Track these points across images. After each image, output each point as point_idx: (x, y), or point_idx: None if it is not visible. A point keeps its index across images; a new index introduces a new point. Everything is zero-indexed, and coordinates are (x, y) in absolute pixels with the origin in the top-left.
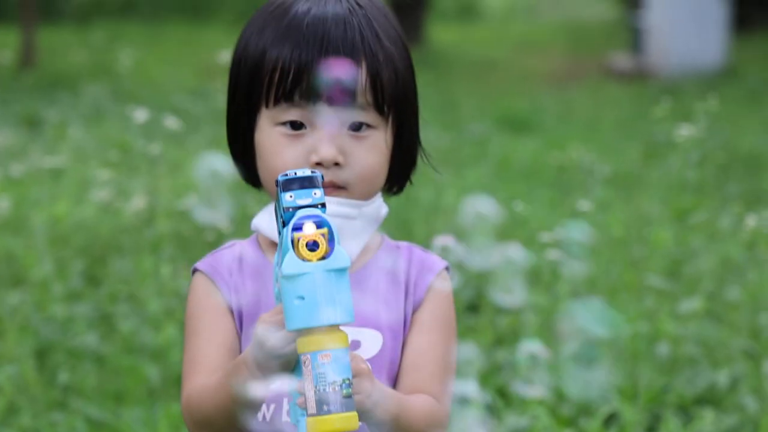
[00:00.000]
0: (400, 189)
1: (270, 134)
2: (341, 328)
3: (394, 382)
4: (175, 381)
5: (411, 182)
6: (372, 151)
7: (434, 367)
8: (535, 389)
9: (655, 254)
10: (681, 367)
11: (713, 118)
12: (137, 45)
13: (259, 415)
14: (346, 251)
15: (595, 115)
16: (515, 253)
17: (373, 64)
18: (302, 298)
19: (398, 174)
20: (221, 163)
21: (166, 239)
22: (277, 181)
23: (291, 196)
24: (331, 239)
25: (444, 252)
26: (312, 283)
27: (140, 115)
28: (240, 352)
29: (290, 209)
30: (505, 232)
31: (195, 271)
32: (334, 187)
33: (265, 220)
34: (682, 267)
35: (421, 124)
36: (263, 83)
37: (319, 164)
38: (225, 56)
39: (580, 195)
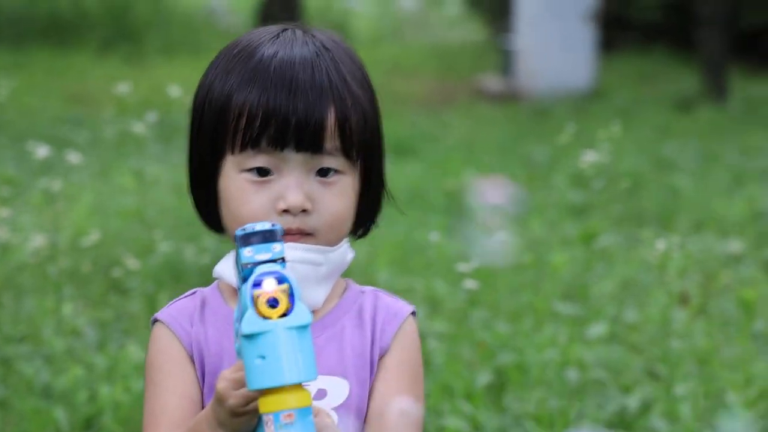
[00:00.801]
0: (366, 232)
1: (235, 181)
2: (304, 386)
3: (362, 431)
4: (83, 424)
5: (377, 225)
6: (340, 197)
7: None
8: None
9: (555, 279)
10: (590, 392)
11: (588, 141)
12: (4, 72)
13: None
14: (312, 297)
15: (472, 138)
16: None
17: (341, 109)
18: (263, 357)
19: (365, 218)
20: None
21: (65, 276)
22: (235, 236)
23: (250, 251)
24: (291, 295)
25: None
26: (273, 341)
27: (42, 151)
28: (202, 404)
29: (249, 265)
30: (424, 263)
31: (155, 321)
32: (302, 234)
33: (228, 267)
34: (585, 291)
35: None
36: (229, 129)
37: (286, 211)
38: (92, 84)
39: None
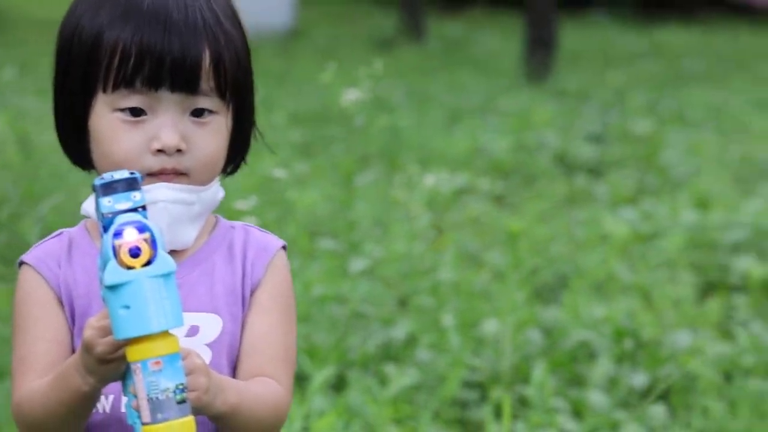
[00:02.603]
0: (236, 170)
1: (108, 120)
2: (171, 332)
3: (235, 366)
4: None
5: (246, 163)
6: (214, 136)
7: (274, 350)
8: None
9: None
10: (356, 326)
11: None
12: None
13: (99, 407)
14: (184, 236)
15: None
16: None
17: (216, 48)
18: (128, 307)
19: (235, 156)
20: None
21: None
22: (93, 186)
23: (109, 201)
24: (154, 244)
25: None
26: (137, 291)
27: None
28: (73, 346)
29: (109, 215)
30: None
31: (21, 264)
32: (176, 174)
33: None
34: (342, 227)
35: None
36: (101, 67)
37: (161, 151)
38: None
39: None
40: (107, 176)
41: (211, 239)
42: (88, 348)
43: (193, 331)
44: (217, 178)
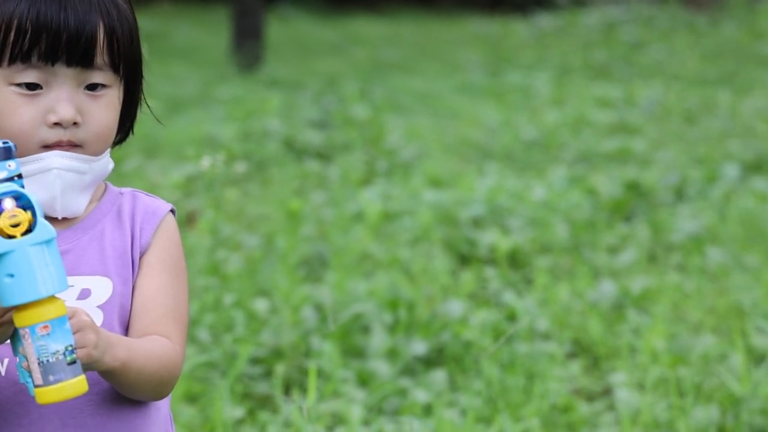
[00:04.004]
0: (123, 140)
1: (3, 94)
2: (57, 296)
3: (127, 327)
4: None
5: (133, 133)
6: (107, 109)
7: (165, 309)
8: None
9: None
10: None
11: None
12: None
13: None
14: (75, 204)
15: None
16: None
17: (109, 23)
18: (12, 275)
19: (124, 127)
20: None
21: None
22: None
23: None
24: (32, 211)
25: None
26: (19, 259)
27: None
28: None
29: None
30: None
31: None
32: (72, 146)
33: None
34: None
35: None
36: None
37: (57, 124)
38: None
39: None
40: None
41: (100, 205)
42: None
43: (84, 294)
44: (109, 150)
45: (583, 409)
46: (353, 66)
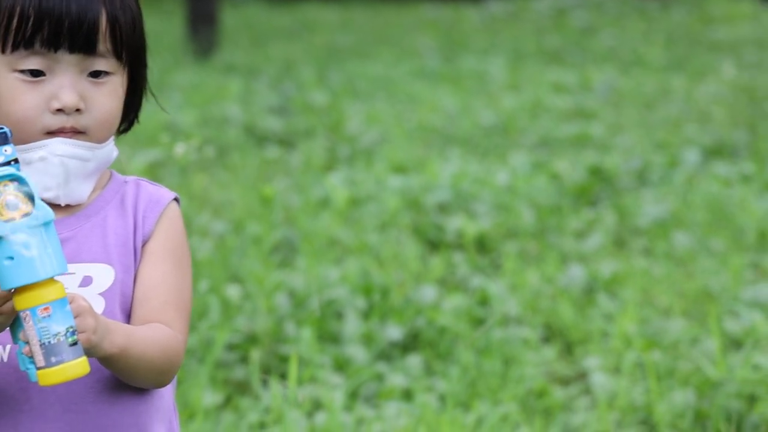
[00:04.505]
0: (129, 128)
1: (7, 80)
2: (56, 278)
3: (129, 315)
4: None
5: (138, 122)
6: (111, 96)
7: (166, 297)
8: None
9: None
10: None
11: None
12: None
13: None
14: (78, 191)
15: None
16: None
17: (112, 11)
18: (11, 258)
19: (129, 115)
20: None
21: None
22: None
23: None
24: (30, 195)
25: None
26: (19, 242)
27: None
28: None
29: None
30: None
31: None
32: (75, 132)
33: None
34: None
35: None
36: None
37: (60, 110)
38: None
39: None
40: None
41: (104, 193)
42: None
43: (86, 281)
44: (113, 137)
45: (558, 393)
46: (308, 52)
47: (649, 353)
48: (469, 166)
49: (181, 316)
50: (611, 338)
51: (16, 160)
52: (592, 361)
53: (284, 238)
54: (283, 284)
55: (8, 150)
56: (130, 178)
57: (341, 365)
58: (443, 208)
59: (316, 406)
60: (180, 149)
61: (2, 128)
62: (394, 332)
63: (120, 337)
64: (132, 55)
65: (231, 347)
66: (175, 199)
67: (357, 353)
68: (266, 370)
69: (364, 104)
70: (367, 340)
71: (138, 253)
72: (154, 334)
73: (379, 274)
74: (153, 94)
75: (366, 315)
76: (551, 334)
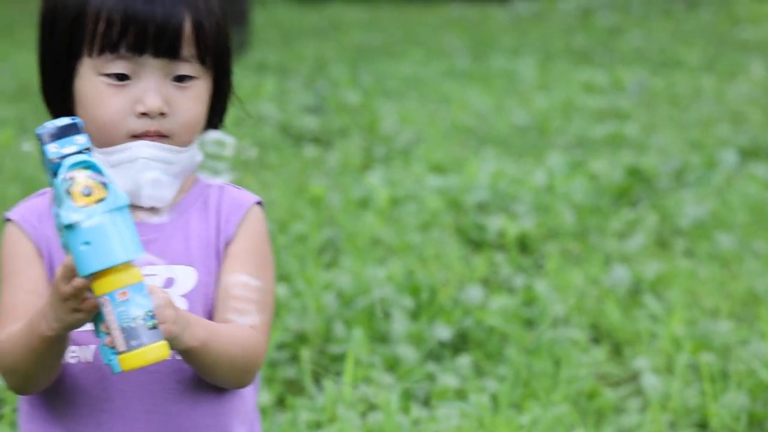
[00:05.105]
0: None
1: (93, 83)
2: (132, 264)
3: (211, 318)
4: None
5: (224, 127)
6: (195, 101)
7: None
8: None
9: None
10: None
11: None
12: None
13: (81, 357)
14: (162, 194)
15: None
16: None
17: (196, 16)
18: (88, 243)
19: (214, 120)
20: None
21: None
22: (37, 135)
23: (55, 147)
24: (103, 181)
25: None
26: (94, 227)
27: None
28: None
29: (57, 159)
30: None
31: (7, 220)
32: (159, 136)
33: None
34: None
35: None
36: (86, 33)
37: (145, 114)
38: None
39: None
40: (48, 124)
41: (187, 196)
42: (56, 288)
43: (168, 282)
44: (197, 142)
45: (609, 394)
46: (338, 51)
47: (700, 355)
48: (506, 166)
49: (263, 317)
50: (660, 340)
51: (88, 149)
52: (642, 363)
53: (328, 238)
54: (332, 284)
55: (81, 139)
56: (215, 182)
57: (391, 365)
58: (483, 208)
59: (369, 406)
60: (229, 150)
61: (74, 119)
62: (443, 332)
63: (201, 330)
64: (216, 59)
65: (281, 346)
66: (259, 203)
67: (407, 353)
68: (317, 370)
69: (396, 104)
70: (417, 340)
71: (221, 255)
72: (236, 331)
73: (423, 274)
74: (239, 99)
75: (413, 315)
76: (599, 334)
